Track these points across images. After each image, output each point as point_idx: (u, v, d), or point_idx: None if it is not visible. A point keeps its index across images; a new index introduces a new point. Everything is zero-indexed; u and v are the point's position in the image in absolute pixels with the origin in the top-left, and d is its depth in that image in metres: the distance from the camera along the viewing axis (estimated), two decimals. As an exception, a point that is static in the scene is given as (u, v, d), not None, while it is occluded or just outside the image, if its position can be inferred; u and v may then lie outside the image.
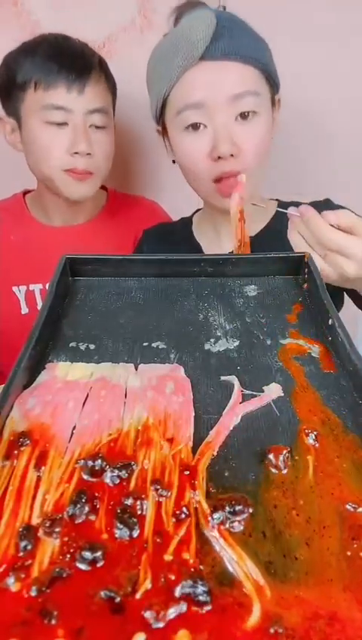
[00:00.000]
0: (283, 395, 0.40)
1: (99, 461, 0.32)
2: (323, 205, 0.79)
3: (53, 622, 0.24)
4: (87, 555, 0.27)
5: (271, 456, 0.34)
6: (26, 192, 0.99)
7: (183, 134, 0.68)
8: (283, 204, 0.82)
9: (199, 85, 0.65)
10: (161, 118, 0.73)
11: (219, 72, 0.64)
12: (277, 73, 0.71)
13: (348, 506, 0.31)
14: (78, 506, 0.30)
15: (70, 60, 0.79)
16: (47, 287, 0.91)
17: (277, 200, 0.83)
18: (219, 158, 0.67)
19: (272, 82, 0.70)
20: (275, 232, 0.78)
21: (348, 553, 0.28)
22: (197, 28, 0.62)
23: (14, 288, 0.93)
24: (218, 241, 0.86)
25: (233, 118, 0.66)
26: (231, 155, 0.66)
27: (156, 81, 0.69)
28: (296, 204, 0.81)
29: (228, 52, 0.63)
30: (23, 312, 0.93)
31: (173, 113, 0.69)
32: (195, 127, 0.67)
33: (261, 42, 0.69)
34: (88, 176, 0.85)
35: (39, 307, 0.92)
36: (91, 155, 0.82)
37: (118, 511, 0.30)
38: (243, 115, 0.66)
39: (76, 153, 0.81)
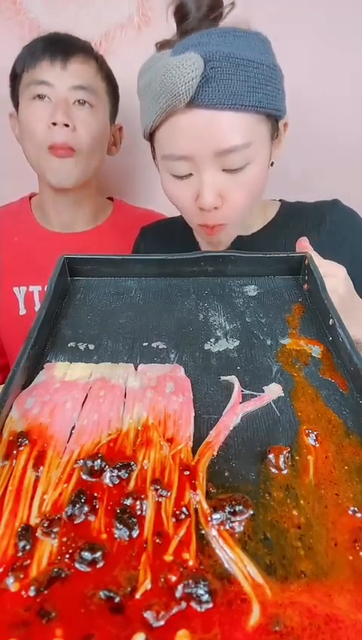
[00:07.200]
0: (283, 395, 0.40)
1: (99, 461, 0.32)
2: (331, 206, 0.79)
3: (52, 622, 0.24)
4: (87, 555, 0.27)
5: (271, 456, 0.33)
6: (32, 196, 1.00)
7: (170, 177, 0.65)
8: (287, 205, 0.82)
9: (185, 136, 0.60)
10: (150, 141, 0.69)
11: (208, 122, 0.59)
12: (283, 101, 0.64)
13: (349, 508, 0.30)
14: (77, 506, 0.30)
15: (57, 41, 0.82)
16: (45, 288, 0.92)
17: (280, 200, 0.82)
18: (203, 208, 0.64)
19: (274, 117, 0.64)
20: (275, 231, 0.77)
21: (349, 556, 0.28)
22: (180, 78, 0.55)
23: (15, 289, 0.93)
24: None
25: (220, 170, 0.62)
26: (216, 208, 0.64)
27: (144, 107, 0.65)
28: (301, 205, 0.81)
29: (218, 101, 0.57)
30: (20, 313, 0.93)
31: (159, 154, 0.66)
32: (181, 176, 0.64)
33: (261, 75, 0.59)
34: (69, 152, 0.83)
35: (37, 309, 0.92)
36: (72, 129, 0.81)
37: (118, 511, 0.29)
38: (232, 169, 0.62)
39: (54, 124, 0.80)
